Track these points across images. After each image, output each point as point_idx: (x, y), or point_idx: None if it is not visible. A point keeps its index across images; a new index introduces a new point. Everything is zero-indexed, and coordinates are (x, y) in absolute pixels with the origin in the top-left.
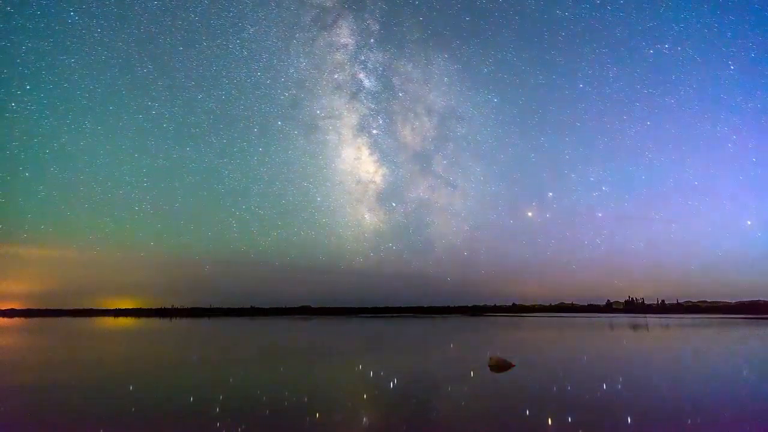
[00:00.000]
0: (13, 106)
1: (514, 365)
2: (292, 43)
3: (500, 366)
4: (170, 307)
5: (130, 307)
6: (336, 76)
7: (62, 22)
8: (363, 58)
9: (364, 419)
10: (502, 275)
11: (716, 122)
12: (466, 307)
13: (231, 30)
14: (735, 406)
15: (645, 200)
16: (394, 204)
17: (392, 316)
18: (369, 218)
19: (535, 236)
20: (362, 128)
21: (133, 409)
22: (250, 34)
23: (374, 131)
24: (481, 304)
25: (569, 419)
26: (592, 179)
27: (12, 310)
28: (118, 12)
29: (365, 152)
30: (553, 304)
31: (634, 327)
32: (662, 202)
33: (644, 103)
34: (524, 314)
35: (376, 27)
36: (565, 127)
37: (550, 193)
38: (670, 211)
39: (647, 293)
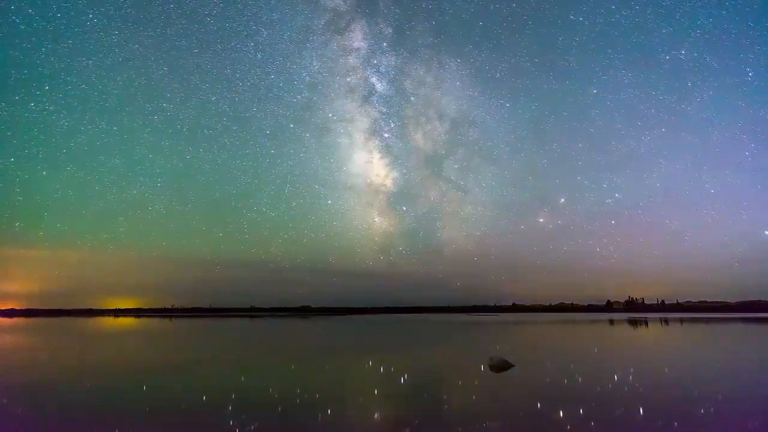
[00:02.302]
0: (32, 106)
1: (513, 365)
2: (306, 46)
3: (500, 366)
4: (174, 306)
5: (138, 307)
6: (348, 80)
7: (81, 25)
8: (375, 61)
9: (361, 418)
10: (512, 281)
11: (734, 130)
12: (466, 306)
13: (245, 33)
14: (737, 401)
15: (659, 208)
16: (404, 208)
17: (390, 316)
18: (379, 222)
19: (547, 243)
20: (374, 132)
21: (146, 408)
22: (264, 37)
23: (386, 135)
24: (481, 304)
25: (570, 419)
26: (605, 186)
27: (12, 309)
28: (135, 15)
29: (376, 156)
30: (552, 304)
31: (634, 325)
32: (677, 211)
33: (659, 110)
34: (524, 313)
35: (389, 31)
36: (578, 133)
37: (562, 200)
38: (684, 219)
39: (647, 293)
